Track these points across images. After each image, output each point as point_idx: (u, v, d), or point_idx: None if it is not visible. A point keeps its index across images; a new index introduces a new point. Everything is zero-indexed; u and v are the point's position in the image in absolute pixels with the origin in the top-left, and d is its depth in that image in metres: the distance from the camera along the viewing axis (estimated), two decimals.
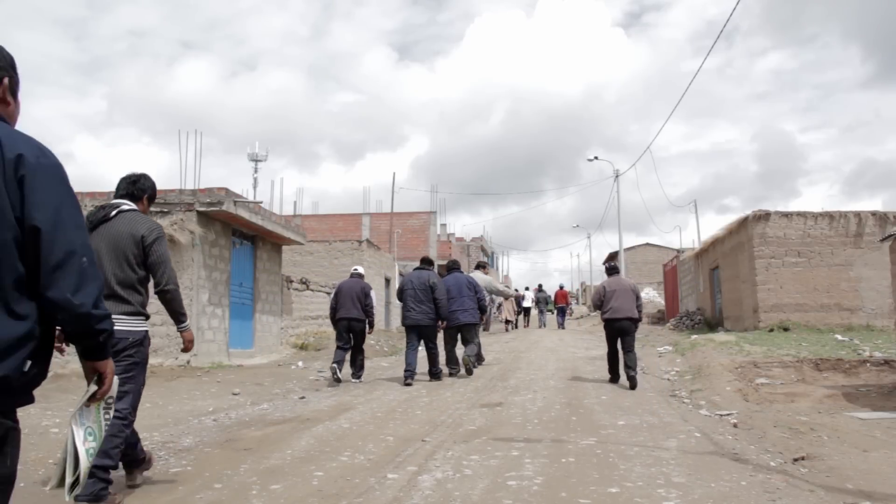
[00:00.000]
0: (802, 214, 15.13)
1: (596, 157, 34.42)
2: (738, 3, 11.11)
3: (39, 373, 1.71)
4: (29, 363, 1.64)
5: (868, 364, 8.91)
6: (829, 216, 15.06)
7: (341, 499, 3.71)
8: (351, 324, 9.42)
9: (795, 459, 4.58)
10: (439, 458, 4.70)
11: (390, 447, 5.07)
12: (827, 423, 5.98)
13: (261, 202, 13.25)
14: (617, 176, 33.13)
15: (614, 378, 8.98)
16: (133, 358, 3.62)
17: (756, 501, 3.67)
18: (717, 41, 59.97)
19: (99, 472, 3.31)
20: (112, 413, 2.41)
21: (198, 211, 10.70)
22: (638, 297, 8.94)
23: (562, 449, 5.00)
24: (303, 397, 7.99)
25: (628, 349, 8.74)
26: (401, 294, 9.51)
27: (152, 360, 9.43)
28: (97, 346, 1.84)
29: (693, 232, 77.42)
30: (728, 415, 6.49)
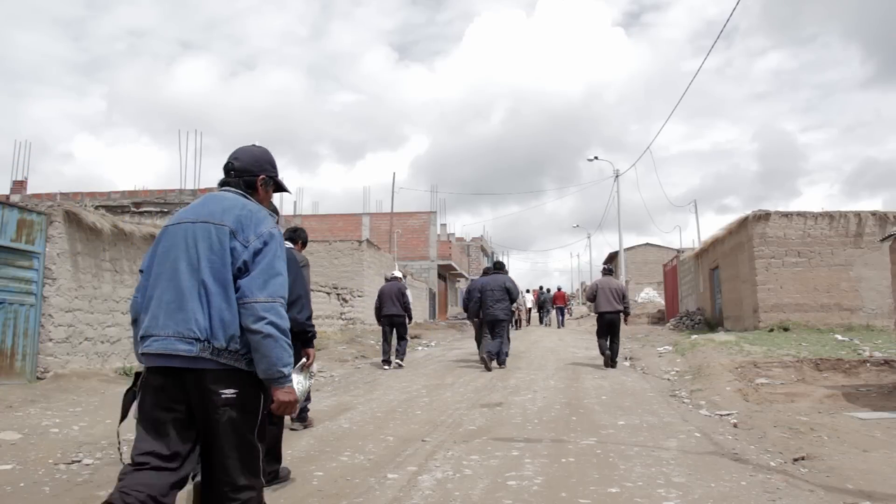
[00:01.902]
0: (802, 214, 15.12)
1: (596, 157, 34.47)
2: (738, 3, 11.11)
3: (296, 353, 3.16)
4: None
5: (868, 364, 8.90)
6: (829, 216, 15.06)
7: (341, 499, 3.71)
8: (392, 319, 11.24)
9: (795, 459, 4.58)
10: (439, 458, 4.70)
11: (390, 447, 5.07)
12: (827, 423, 5.97)
13: None
14: (617, 176, 33.15)
15: (607, 362, 10.82)
16: None
17: (756, 501, 3.67)
18: (717, 41, 59.99)
19: (302, 411, 5.75)
20: (313, 380, 4.05)
21: None
22: (625, 296, 11.02)
23: (562, 449, 5.00)
24: None
25: (615, 337, 10.82)
26: (480, 293, 11.02)
27: None
28: (308, 339, 4.03)
29: (693, 232, 77.49)
30: (728, 415, 6.49)
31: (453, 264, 37.10)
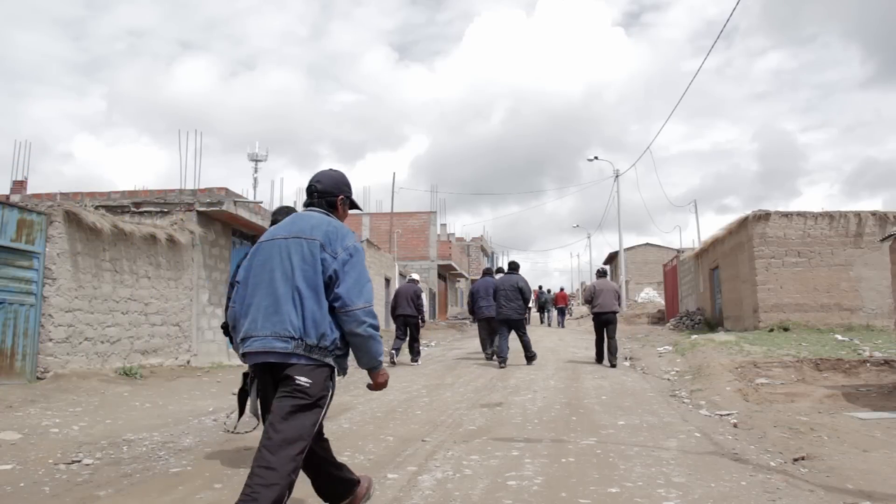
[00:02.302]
0: (802, 214, 15.12)
1: (596, 157, 34.48)
2: (738, 3, 11.11)
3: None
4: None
5: (868, 364, 8.90)
6: (829, 216, 15.06)
7: None
8: (406, 319, 12.00)
9: (795, 459, 4.58)
10: (439, 458, 4.70)
11: (390, 447, 5.07)
12: (827, 423, 5.97)
13: (261, 202, 13.25)
14: (617, 176, 33.16)
15: (599, 359, 11.53)
16: None
17: (756, 501, 3.67)
18: (717, 41, 59.98)
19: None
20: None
21: (198, 211, 10.70)
22: (619, 297, 11.82)
23: (562, 449, 5.00)
24: None
25: (611, 336, 11.28)
26: (495, 294, 11.61)
27: (152, 360, 9.44)
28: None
29: (693, 232, 77.46)
30: (728, 415, 6.49)
31: (453, 264, 37.10)
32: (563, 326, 26.50)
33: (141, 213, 10.48)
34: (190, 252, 10.57)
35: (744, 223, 15.77)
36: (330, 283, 2.80)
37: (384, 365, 3.07)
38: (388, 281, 23.31)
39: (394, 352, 11.60)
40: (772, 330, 13.96)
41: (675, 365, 10.89)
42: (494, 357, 11.47)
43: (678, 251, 28.01)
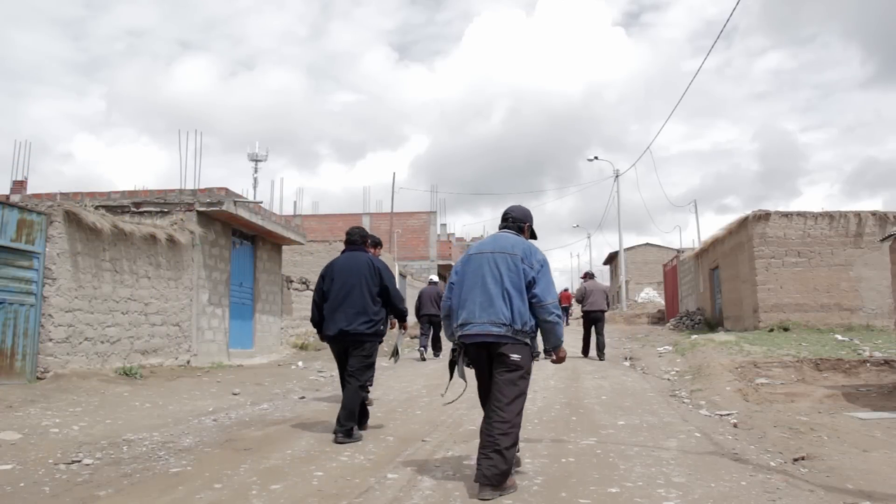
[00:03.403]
0: (802, 214, 15.12)
1: (596, 157, 34.48)
2: (738, 3, 11.10)
3: (384, 331, 5.54)
4: (382, 327, 5.55)
5: (868, 364, 8.91)
6: (829, 216, 15.06)
7: (341, 499, 3.71)
8: (431, 318, 13.29)
9: (795, 459, 4.58)
10: (439, 458, 4.70)
11: (390, 447, 5.07)
12: (827, 423, 5.97)
13: (261, 202, 13.24)
14: (617, 176, 33.15)
15: (585, 353, 12.87)
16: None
17: (756, 501, 3.67)
18: (717, 41, 60.00)
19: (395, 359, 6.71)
20: (401, 341, 6.48)
21: (198, 211, 10.70)
22: (607, 297, 13.26)
23: (562, 449, 5.00)
24: (303, 397, 7.99)
25: (600, 333, 12.60)
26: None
27: (152, 360, 9.44)
28: (403, 318, 5.98)
29: (693, 232, 77.47)
30: (728, 415, 6.50)
31: (453, 264, 37.10)
32: (567, 324, 26.97)
33: (141, 213, 10.48)
34: (190, 252, 10.57)
35: (744, 223, 15.77)
36: (529, 286, 3.91)
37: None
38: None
39: (422, 349, 13.14)
40: (772, 330, 13.96)
41: (675, 365, 10.89)
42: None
43: (678, 251, 28.01)
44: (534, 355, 4.00)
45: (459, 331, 4.02)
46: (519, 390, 3.87)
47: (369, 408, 5.98)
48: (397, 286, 5.99)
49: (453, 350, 4.16)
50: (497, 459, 3.68)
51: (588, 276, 13.97)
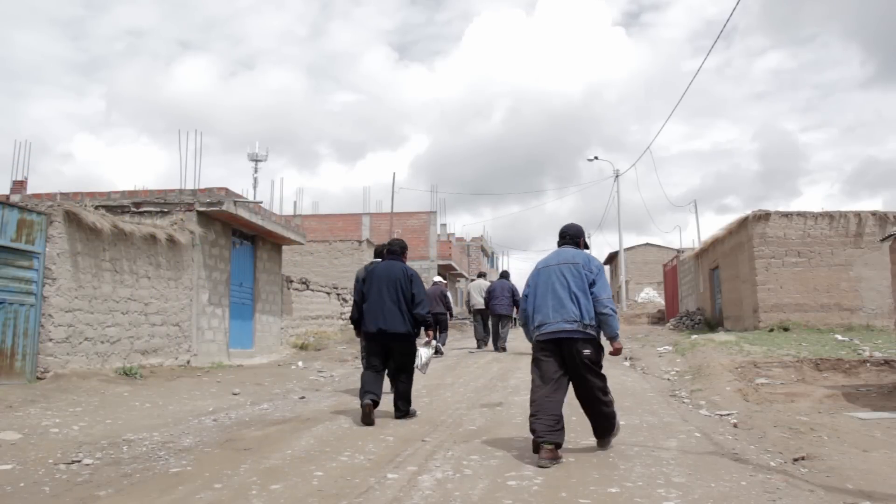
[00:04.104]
0: (802, 214, 15.12)
1: (596, 157, 34.50)
2: (737, 3, 11.10)
3: (417, 333, 6.45)
4: (413, 329, 6.36)
5: (868, 364, 8.91)
6: (829, 216, 15.06)
7: (341, 499, 3.71)
8: (437, 316, 13.08)
9: (795, 459, 4.58)
10: (439, 458, 4.70)
11: (390, 447, 5.07)
12: (827, 423, 5.97)
13: (261, 202, 13.25)
14: (617, 176, 33.16)
15: None
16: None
17: (756, 501, 3.67)
18: (717, 41, 60.01)
19: (424, 367, 6.86)
20: (431, 348, 6.81)
21: (198, 211, 10.70)
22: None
23: (562, 449, 5.00)
24: (303, 397, 7.99)
25: None
26: (489, 294, 14.04)
27: (152, 360, 9.44)
28: (427, 325, 6.48)
29: (693, 232, 77.45)
30: (728, 415, 6.50)
31: (453, 264, 37.10)
32: None
33: (141, 213, 10.48)
34: (190, 252, 10.57)
35: (744, 223, 15.77)
36: (590, 287, 4.72)
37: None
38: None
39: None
40: (772, 330, 13.96)
41: (675, 365, 10.89)
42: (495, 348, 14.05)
43: (678, 251, 28.01)
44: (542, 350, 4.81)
45: (536, 332, 4.82)
46: (598, 377, 4.77)
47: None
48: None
49: (534, 345, 4.98)
50: (613, 427, 4.97)
51: None
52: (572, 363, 4.67)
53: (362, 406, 5.97)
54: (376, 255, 7.86)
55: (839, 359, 9.16)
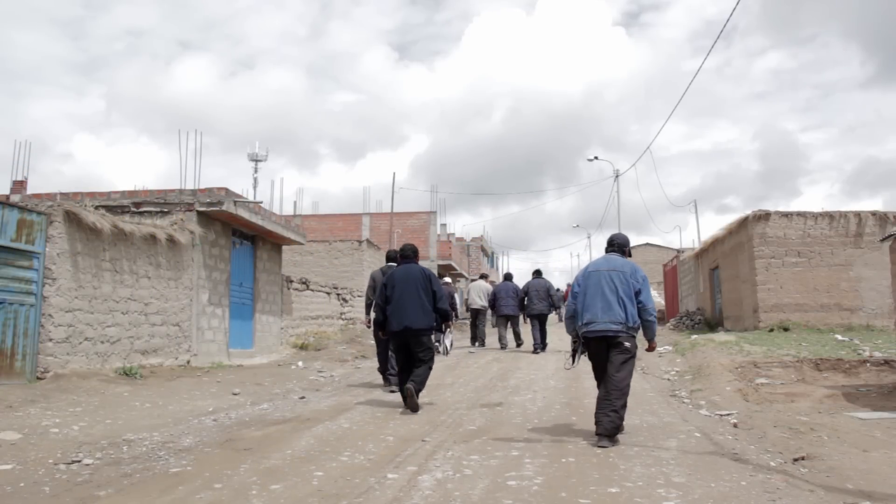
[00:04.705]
0: (802, 214, 15.12)
1: (596, 157, 34.47)
2: (737, 3, 11.10)
3: (437, 327, 7.25)
4: (435, 322, 7.11)
5: (868, 364, 8.91)
6: (829, 216, 15.05)
7: (341, 499, 3.71)
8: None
9: (795, 459, 4.58)
10: (439, 458, 4.70)
11: (390, 447, 5.07)
12: (827, 423, 5.98)
13: (261, 202, 13.24)
14: (617, 176, 33.16)
15: None
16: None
17: (756, 501, 3.67)
18: (717, 41, 59.95)
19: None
20: (449, 339, 13.15)
21: (198, 211, 10.70)
22: None
23: (562, 449, 5.00)
24: (303, 397, 7.99)
25: None
26: (525, 294, 14.48)
27: (152, 360, 9.44)
28: (448, 317, 7.47)
29: (693, 232, 77.42)
30: (728, 415, 6.50)
31: (453, 264, 37.09)
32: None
33: (141, 213, 10.48)
34: (190, 252, 10.57)
35: (744, 223, 15.77)
36: (636, 295, 5.37)
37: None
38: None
39: (436, 344, 14.27)
40: (772, 330, 13.95)
41: (675, 365, 10.89)
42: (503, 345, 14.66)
43: (678, 251, 28.00)
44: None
45: (584, 328, 5.45)
46: (627, 368, 5.32)
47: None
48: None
49: (574, 341, 5.68)
50: (613, 416, 5.11)
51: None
52: (611, 356, 5.33)
53: (403, 390, 6.70)
54: (389, 259, 8.80)
55: (839, 359, 9.16)
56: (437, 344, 7.73)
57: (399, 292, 6.92)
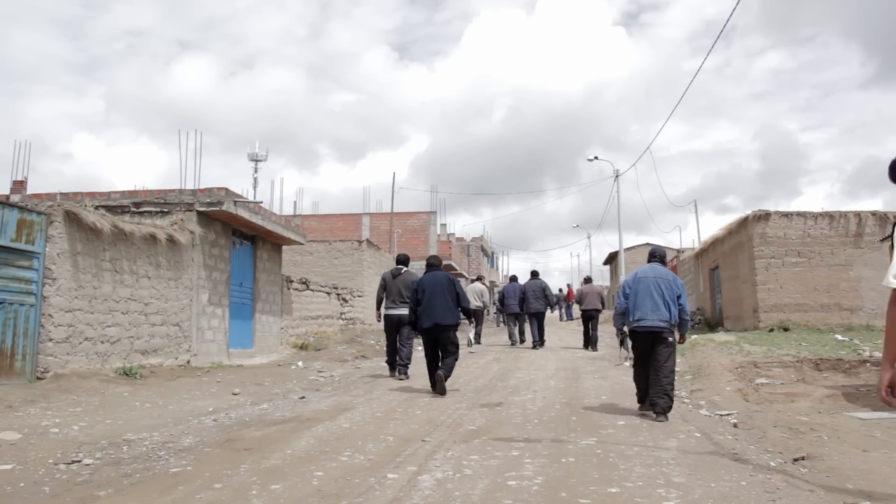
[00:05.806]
0: (802, 214, 15.12)
1: (596, 157, 34.44)
2: (737, 3, 11.11)
3: (460, 322, 8.60)
4: (458, 320, 8.44)
5: (868, 364, 8.90)
6: (829, 216, 15.05)
7: (341, 499, 3.71)
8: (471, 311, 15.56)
9: (795, 459, 4.58)
10: (439, 458, 4.70)
11: (390, 447, 5.07)
12: (827, 423, 5.98)
13: (261, 202, 13.23)
14: (617, 176, 33.13)
15: (586, 346, 14.68)
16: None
17: (756, 501, 3.67)
18: (717, 41, 59.97)
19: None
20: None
21: (198, 211, 10.69)
22: (602, 298, 15.34)
23: (562, 449, 5.00)
24: (303, 397, 7.99)
25: (594, 328, 14.78)
26: (523, 293, 15.24)
27: (152, 360, 9.44)
28: (470, 314, 9.64)
29: (693, 232, 77.38)
30: (728, 415, 6.50)
31: (453, 264, 37.08)
32: (572, 319, 29.56)
33: (141, 213, 10.47)
34: (190, 252, 10.57)
35: (744, 223, 15.77)
36: (677, 299, 6.56)
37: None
38: None
39: (469, 336, 15.14)
40: (772, 330, 13.95)
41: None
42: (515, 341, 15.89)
43: (678, 251, 28.00)
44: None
45: (634, 323, 6.58)
46: (673, 358, 6.54)
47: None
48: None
49: (623, 333, 7.47)
50: (666, 399, 6.26)
51: (587, 280, 17.48)
52: (657, 349, 6.47)
53: (434, 376, 7.96)
54: (398, 262, 10.15)
55: (839, 359, 9.16)
56: (470, 335, 10.52)
57: (428, 296, 8.24)
